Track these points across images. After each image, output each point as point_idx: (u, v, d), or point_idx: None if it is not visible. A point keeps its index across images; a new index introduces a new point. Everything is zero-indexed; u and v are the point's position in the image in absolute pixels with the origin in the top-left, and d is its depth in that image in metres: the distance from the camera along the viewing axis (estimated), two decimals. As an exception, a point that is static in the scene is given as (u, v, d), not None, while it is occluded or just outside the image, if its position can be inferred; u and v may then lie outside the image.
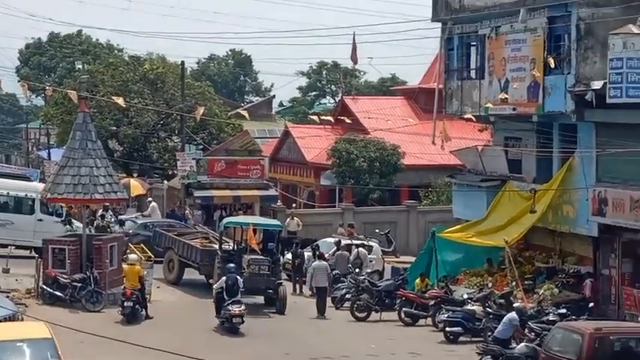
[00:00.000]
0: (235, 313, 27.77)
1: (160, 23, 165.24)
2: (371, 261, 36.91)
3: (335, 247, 36.43)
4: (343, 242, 37.48)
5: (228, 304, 27.97)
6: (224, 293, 28.28)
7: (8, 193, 38.67)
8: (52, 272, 30.25)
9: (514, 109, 32.84)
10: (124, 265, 30.21)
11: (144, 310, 29.15)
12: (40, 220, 38.61)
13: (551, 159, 31.98)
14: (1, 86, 30.12)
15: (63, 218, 39.45)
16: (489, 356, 22.58)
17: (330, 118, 42.18)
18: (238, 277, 28.72)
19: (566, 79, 30.21)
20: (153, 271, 32.63)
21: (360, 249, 36.61)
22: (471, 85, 36.05)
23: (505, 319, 23.79)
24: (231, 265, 29.76)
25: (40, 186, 39.06)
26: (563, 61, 30.61)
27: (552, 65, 30.33)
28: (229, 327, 27.97)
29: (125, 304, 28.37)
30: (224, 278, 28.68)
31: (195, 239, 36.17)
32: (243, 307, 28.15)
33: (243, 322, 27.95)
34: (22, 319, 23.50)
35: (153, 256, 34.05)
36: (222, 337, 27.03)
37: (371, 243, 39.41)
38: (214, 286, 29.47)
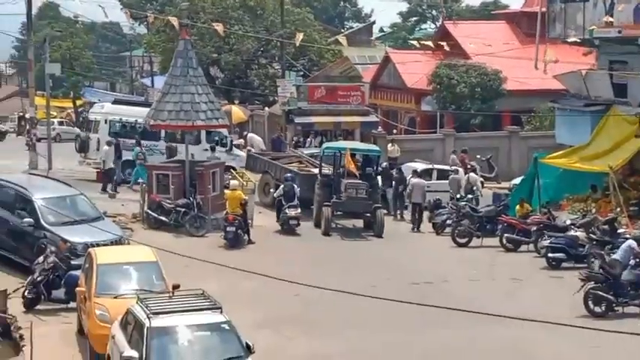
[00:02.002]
0: (292, 215, 31.07)
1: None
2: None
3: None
4: (421, 168, 37.82)
5: (286, 208, 31.14)
6: (283, 199, 31.29)
7: None
8: (157, 197, 30.78)
9: (619, 32, 32.08)
10: (226, 191, 30.58)
11: (246, 235, 29.56)
12: (206, 149, 39.58)
13: (658, 82, 31.26)
14: (106, 14, 30.57)
15: (228, 148, 40.40)
16: (593, 282, 22.31)
17: (430, 43, 41.71)
18: (294, 185, 31.56)
19: (674, -1, 29.38)
20: (255, 196, 32.98)
21: (471, 174, 36.57)
22: (574, 8, 35.29)
23: (625, 245, 23.21)
24: (289, 174, 32.85)
25: None
26: (672, -19, 29.75)
27: (660, -14, 29.49)
28: (287, 228, 31.24)
29: (228, 229, 28.81)
30: (282, 186, 31.80)
31: (291, 163, 36.38)
32: (299, 210, 31.22)
33: (299, 224, 31.27)
34: (129, 243, 24.03)
35: (254, 181, 34.45)
36: (322, 262, 27.22)
37: (455, 168, 39.23)
38: (274, 194, 32.60)
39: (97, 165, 39.19)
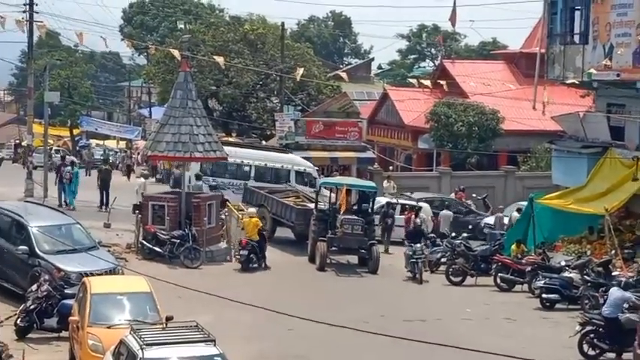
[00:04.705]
0: None
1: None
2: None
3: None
4: (384, 201, 37.82)
5: None
6: None
7: (266, 164, 39.91)
8: (152, 228, 30.74)
9: (618, 75, 32.24)
10: (245, 219, 31.11)
11: (262, 260, 30.44)
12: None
13: (656, 126, 31.37)
14: (106, 43, 30.71)
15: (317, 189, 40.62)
16: (591, 326, 22.12)
17: (428, 82, 41.87)
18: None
19: (672, 44, 29.54)
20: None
21: (499, 214, 36.92)
22: (574, 50, 35.45)
23: (614, 297, 22.59)
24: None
25: (296, 158, 40.26)
26: (671, 26, 29.91)
27: (659, 30, 29.65)
28: None
29: (241, 252, 29.88)
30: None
31: (288, 198, 36.40)
32: None
33: None
34: (123, 273, 23.97)
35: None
36: (316, 298, 27.15)
37: (421, 204, 39.16)
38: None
39: None
